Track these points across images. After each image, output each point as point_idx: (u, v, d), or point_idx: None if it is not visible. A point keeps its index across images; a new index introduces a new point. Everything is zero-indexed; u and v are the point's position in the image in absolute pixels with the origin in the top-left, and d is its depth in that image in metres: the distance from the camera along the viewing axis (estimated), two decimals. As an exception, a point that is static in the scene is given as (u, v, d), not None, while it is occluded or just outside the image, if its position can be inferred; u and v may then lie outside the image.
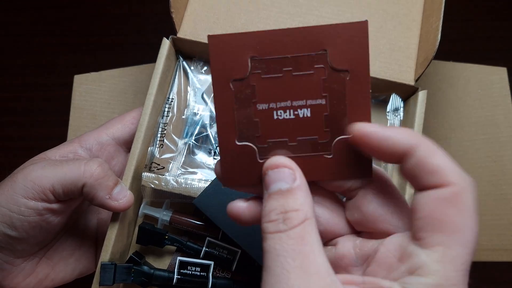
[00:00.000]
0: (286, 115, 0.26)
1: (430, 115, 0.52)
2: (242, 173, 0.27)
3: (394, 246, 0.24)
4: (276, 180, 0.25)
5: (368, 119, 0.26)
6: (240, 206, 0.27)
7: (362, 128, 0.24)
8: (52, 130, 0.43)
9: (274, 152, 0.26)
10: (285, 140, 0.27)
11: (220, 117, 0.26)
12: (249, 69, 0.26)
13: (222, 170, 0.27)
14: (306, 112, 0.26)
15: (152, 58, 0.43)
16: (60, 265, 0.42)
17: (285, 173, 0.25)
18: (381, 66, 0.45)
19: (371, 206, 0.26)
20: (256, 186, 0.27)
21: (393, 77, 0.45)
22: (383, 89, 0.47)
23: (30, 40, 0.66)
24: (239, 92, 0.26)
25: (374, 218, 0.26)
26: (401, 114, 0.47)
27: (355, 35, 0.25)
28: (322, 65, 0.26)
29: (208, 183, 0.41)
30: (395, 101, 0.47)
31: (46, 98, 0.64)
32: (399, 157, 0.23)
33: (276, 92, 0.26)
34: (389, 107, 0.47)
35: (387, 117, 0.48)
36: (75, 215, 0.43)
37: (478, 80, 0.54)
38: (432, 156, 0.22)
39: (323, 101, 0.26)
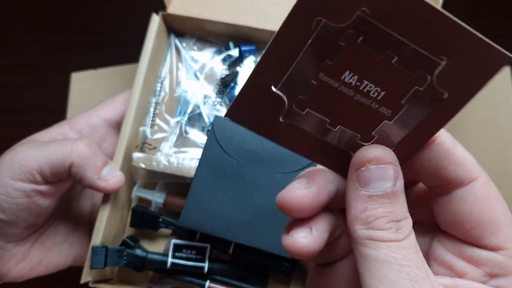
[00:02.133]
0: (350, 99, 0.21)
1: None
2: (252, 117, 0.22)
3: (451, 247, 0.23)
4: (380, 179, 0.21)
5: (414, 151, 0.22)
6: (299, 194, 0.21)
7: None
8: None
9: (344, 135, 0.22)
10: (326, 120, 0.22)
11: (275, 51, 0.20)
12: (350, 21, 0.19)
13: (234, 102, 0.21)
14: (371, 110, 0.22)
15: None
16: (54, 251, 0.41)
17: (390, 170, 0.21)
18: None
19: (473, 206, 0.22)
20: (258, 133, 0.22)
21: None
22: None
23: (27, 39, 0.66)
24: (320, 39, 0.19)
25: (471, 220, 0.22)
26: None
27: (485, 63, 0.20)
28: (427, 74, 0.20)
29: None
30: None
31: (44, 97, 0.63)
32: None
33: (360, 70, 0.21)
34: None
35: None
36: (67, 199, 0.42)
37: None
38: (455, 146, 0.22)
39: (395, 110, 0.21)
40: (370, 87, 0.21)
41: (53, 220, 0.41)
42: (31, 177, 0.36)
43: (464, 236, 0.22)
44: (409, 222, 0.21)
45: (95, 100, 0.54)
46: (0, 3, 0.67)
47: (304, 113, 0.22)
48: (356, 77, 0.21)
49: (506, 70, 0.53)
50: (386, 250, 0.20)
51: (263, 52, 0.21)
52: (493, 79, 0.20)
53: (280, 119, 0.22)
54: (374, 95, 0.21)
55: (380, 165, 0.21)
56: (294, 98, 0.21)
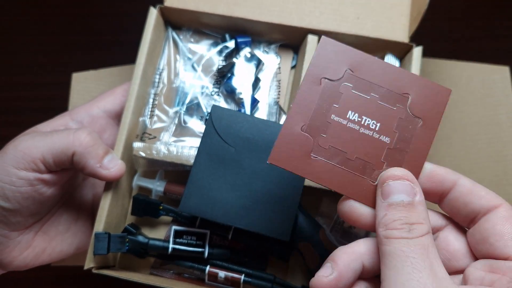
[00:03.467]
0: (357, 132, 0.29)
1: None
2: (290, 158, 0.29)
3: (481, 265, 0.26)
4: (397, 192, 0.26)
5: (421, 166, 0.28)
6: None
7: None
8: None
9: (348, 161, 0.29)
10: (345, 152, 0.29)
11: (298, 104, 0.29)
12: (341, 77, 0.30)
13: (275, 148, 0.28)
14: (375, 139, 0.29)
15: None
16: (57, 240, 0.42)
17: (407, 186, 0.26)
18: (373, 25, 0.44)
19: (496, 223, 0.26)
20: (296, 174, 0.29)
21: (386, 36, 0.44)
22: (377, 49, 0.45)
23: (27, 39, 0.66)
24: (326, 91, 0.29)
25: (494, 234, 0.26)
26: (397, 74, 0.45)
27: (437, 95, 0.29)
28: (402, 107, 0.29)
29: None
30: (390, 61, 0.46)
31: (45, 97, 0.63)
32: (446, 191, 0.27)
33: (358, 109, 0.30)
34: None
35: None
36: (70, 189, 0.43)
37: (481, 79, 0.53)
38: (474, 184, 0.27)
39: (391, 136, 0.29)
40: (369, 121, 0.29)
41: (56, 209, 0.42)
42: (34, 166, 0.36)
43: (492, 249, 0.25)
44: (423, 226, 0.25)
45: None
46: (1, 3, 0.68)
47: (327, 148, 0.29)
48: (357, 114, 0.29)
49: (505, 70, 0.54)
50: (397, 245, 0.24)
51: (291, 105, 0.30)
52: (494, 88, 0.31)
53: (311, 156, 0.29)
54: (373, 127, 0.29)
55: (397, 181, 0.26)
56: (318, 137, 0.29)
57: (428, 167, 0.28)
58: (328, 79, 0.30)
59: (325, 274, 0.26)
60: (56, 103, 0.58)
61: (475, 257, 0.27)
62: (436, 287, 0.22)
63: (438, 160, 0.50)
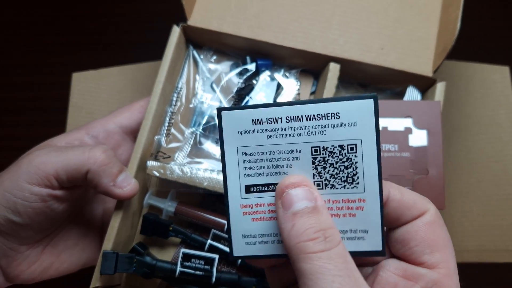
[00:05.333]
0: (383, 158, 0.36)
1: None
2: None
3: (395, 268, 0.25)
4: (299, 199, 0.23)
5: (441, 164, 0.37)
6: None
7: None
8: (51, 129, 0.43)
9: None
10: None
11: None
12: None
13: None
14: (398, 157, 0.38)
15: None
16: (65, 254, 0.41)
17: (306, 191, 0.24)
18: (397, 57, 0.43)
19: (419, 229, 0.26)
20: None
21: (410, 68, 0.43)
22: (400, 81, 0.45)
23: (28, 39, 0.66)
24: None
25: (416, 239, 0.25)
26: (418, 107, 0.45)
27: (431, 108, 0.39)
28: (409, 126, 0.38)
29: (214, 173, 0.40)
30: (412, 93, 0.45)
31: (45, 97, 0.63)
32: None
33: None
34: (405, 100, 0.45)
35: (404, 110, 0.46)
36: (80, 203, 0.43)
37: (480, 79, 0.53)
38: (403, 194, 0.25)
39: (410, 151, 0.38)
40: (388, 146, 0.38)
41: (65, 224, 0.42)
42: (48, 182, 0.36)
43: (409, 253, 0.25)
44: (335, 231, 0.23)
45: (96, 100, 0.55)
46: (3, 4, 0.68)
47: None
48: (383, 148, 0.38)
49: (505, 70, 0.53)
50: (318, 262, 0.22)
51: None
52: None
53: None
54: (393, 149, 0.38)
55: (297, 188, 0.24)
56: None
57: None
58: None
59: None
60: (56, 103, 0.58)
61: (389, 252, 0.26)
62: None
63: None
